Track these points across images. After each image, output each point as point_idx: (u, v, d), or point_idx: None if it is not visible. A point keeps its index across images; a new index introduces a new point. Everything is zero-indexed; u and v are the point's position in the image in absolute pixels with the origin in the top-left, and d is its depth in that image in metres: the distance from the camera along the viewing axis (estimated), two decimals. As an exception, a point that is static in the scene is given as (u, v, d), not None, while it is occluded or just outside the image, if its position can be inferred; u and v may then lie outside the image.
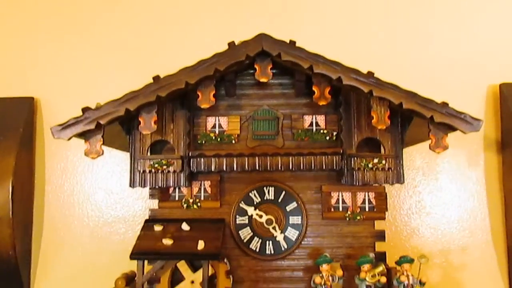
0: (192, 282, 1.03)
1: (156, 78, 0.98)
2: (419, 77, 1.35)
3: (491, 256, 1.36)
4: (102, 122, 0.97)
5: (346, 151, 1.04)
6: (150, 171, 1.05)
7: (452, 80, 1.41)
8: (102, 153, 1.00)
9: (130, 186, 1.07)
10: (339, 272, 0.96)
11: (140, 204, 1.41)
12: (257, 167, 1.05)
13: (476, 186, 1.39)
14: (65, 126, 0.97)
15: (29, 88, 1.46)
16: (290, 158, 1.05)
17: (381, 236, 1.08)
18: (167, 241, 1.01)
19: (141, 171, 1.06)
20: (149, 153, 1.07)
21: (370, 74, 0.97)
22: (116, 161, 1.43)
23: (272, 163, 1.05)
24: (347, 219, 1.07)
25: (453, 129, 0.97)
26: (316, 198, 1.10)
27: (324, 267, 0.97)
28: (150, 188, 1.12)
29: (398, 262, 0.98)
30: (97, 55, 1.47)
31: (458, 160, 1.40)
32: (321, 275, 0.96)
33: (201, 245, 0.99)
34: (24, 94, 1.44)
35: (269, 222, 1.06)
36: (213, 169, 1.06)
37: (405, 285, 0.96)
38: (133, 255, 0.98)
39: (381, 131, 1.05)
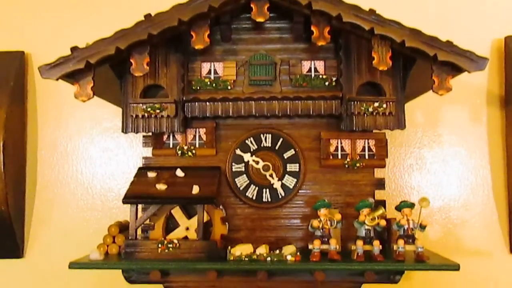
0: (187, 228, 1.00)
1: (148, 16, 0.94)
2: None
3: (492, 212, 1.34)
4: (91, 61, 0.93)
5: (345, 96, 1.01)
6: (143, 116, 1.02)
7: (455, 34, 1.35)
8: (93, 96, 0.97)
9: (123, 131, 1.04)
10: (338, 216, 0.94)
11: (135, 161, 1.39)
12: (253, 113, 1.02)
13: (478, 142, 1.36)
14: (54, 65, 0.94)
15: (20, 42, 1.41)
16: (288, 103, 1.02)
17: (380, 184, 1.05)
18: (161, 186, 0.98)
19: (134, 116, 1.02)
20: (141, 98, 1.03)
21: (371, 12, 0.93)
22: (110, 117, 1.39)
23: (269, 108, 1.02)
24: (346, 166, 1.04)
25: (457, 69, 0.93)
26: (315, 146, 1.07)
27: (322, 211, 0.94)
28: (143, 136, 1.09)
29: (398, 207, 0.95)
30: (89, 8, 1.42)
31: (460, 116, 1.36)
32: (319, 219, 0.93)
33: (195, 189, 0.97)
34: (14, 48, 1.40)
35: (265, 168, 1.03)
36: (208, 115, 1.02)
37: (405, 229, 0.93)
38: (126, 199, 0.96)
39: (382, 75, 1.02)
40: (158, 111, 1.01)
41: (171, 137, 1.08)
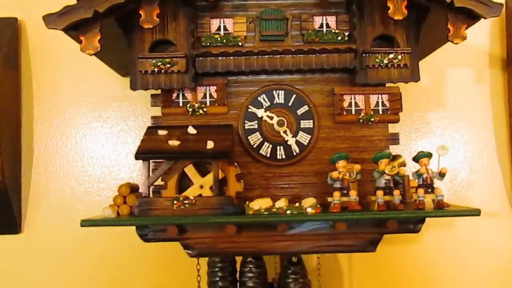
0: (201, 187, 0.97)
1: (157, -36, 0.91)
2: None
3: (497, 174, 1.35)
4: (100, 10, 0.89)
5: (360, 48, 0.99)
6: (152, 72, 0.98)
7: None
8: (100, 49, 0.93)
9: (131, 88, 1.00)
10: (357, 167, 0.93)
11: (137, 130, 1.35)
12: (266, 67, 1.00)
13: (482, 104, 1.37)
14: (59, 14, 0.89)
15: (13, 9, 1.35)
16: (302, 57, 1.00)
17: (395, 138, 1.04)
18: (174, 142, 0.95)
19: (143, 72, 0.98)
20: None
21: (387, -42, 0.92)
22: (110, 85, 1.35)
23: (282, 62, 1.00)
24: (361, 121, 1.03)
25: (472, 17, 0.93)
26: (328, 102, 1.05)
27: (341, 163, 0.92)
28: (151, 95, 1.05)
29: (416, 157, 0.94)
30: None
31: (465, 78, 1.37)
32: (338, 171, 0.92)
33: (210, 144, 0.94)
34: (7, 15, 1.34)
35: (280, 123, 1.01)
36: (220, 70, 0.99)
37: (424, 178, 0.92)
38: (138, 155, 0.92)
39: (395, 27, 1.01)
40: (168, 65, 0.98)
41: (180, 95, 1.05)
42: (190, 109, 1.02)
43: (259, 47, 1.01)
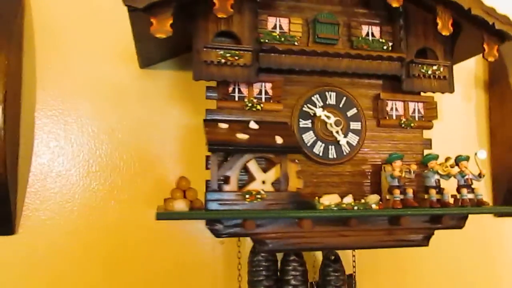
0: (263, 182, 0.96)
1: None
2: None
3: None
4: (181, -8, 0.85)
5: (407, 58, 1.07)
6: (218, 62, 0.96)
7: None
8: (171, 33, 0.88)
9: (194, 78, 0.96)
10: (414, 166, 1.00)
11: (149, 116, 1.28)
12: (320, 68, 1.02)
13: (467, 120, 1.54)
14: (139, -8, 0.83)
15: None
16: (353, 61, 1.05)
17: (428, 144, 1.14)
18: (242, 136, 0.93)
19: (208, 62, 0.95)
20: (214, 44, 0.97)
21: (443, -21, 1.01)
22: (119, 74, 1.27)
23: (338, 65, 1.04)
24: (402, 126, 1.10)
25: (503, 38, 1.07)
26: (372, 106, 1.11)
27: (397, 163, 0.99)
28: (207, 87, 1.01)
29: (457, 160, 1.04)
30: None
31: (453, 95, 1.53)
32: (398, 170, 0.98)
33: (279, 139, 0.94)
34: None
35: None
36: (283, 67, 1.00)
37: (465, 179, 1.02)
38: (212, 146, 0.89)
39: (435, 41, 1.11)
40: (236, 57, 0.96)
41: (236, 90, 1.03)
42: (249, 104, 1.01)
43: (317, 48, 1.03)
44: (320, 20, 1.06)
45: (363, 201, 0.95)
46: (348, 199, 0.94)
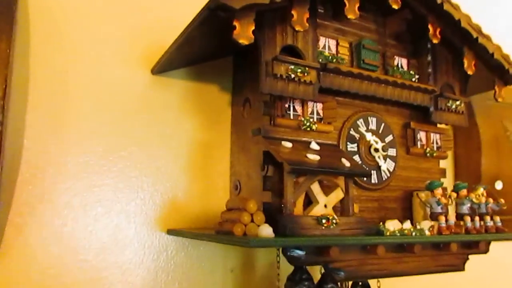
0: (325, 206, 0.92)
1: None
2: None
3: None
4: (277, -1, 0.79)
5: (436, 91, 1.14)
6: (287, 77, 0.90)
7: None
8: (253, 41, 0.81)
9: (263, 91, 0.88)
10: (454, 194, 1.04)
11: (154, 107, 1.14)
12: (365, 93, 1.03)
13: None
14: (237, -9, 0.75)
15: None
16: (394, 89, 1.08)
17: (443, 173, 1.21)
18: (314, 157, 0.88)
19: (278, 75, 0.89)
20: (278, 58, 0.91)
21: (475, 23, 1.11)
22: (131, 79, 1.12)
23: (384, 91, 1.06)
24: (427, 155, 1.16)
25: (508, 82, 1.20)
26: (402, 133, 1.15)
27: (439, 191, 1.03)
28: (264, 102, 0.94)
29: (472, 189, 1.12)
30: None
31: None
32: (444, 197, 1.01)
33: (346, 162, 0.91)
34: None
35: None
36: (343, 88, 0.99)
37: (486, 207, 1.10)
38: (293, 166, 0.82)
39: (454, 78, 1.20)
40: (302, 74, 0.91)
41: (291, 108, 0.98)
42: (307, 123, 0.96)
43: (365, 73, 1.04)
44: (365, 45, 1.07)
45: (418, 227, 0.95)
46: (407, 225, 0.94)
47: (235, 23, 0.79)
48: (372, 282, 1.12)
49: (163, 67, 1.12)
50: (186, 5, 1.22)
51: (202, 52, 1.12)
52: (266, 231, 0.76)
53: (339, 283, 1.02)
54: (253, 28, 0.81)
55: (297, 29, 0.88)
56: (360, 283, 1.09)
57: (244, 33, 0.80)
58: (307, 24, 0.89)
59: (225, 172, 1.20)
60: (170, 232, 1.09)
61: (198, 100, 1.20)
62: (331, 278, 1.04)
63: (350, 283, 1.11)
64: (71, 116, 1.04)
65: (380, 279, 1.13)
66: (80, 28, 1.09)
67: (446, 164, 1.61)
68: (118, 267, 1.05)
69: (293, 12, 0.87)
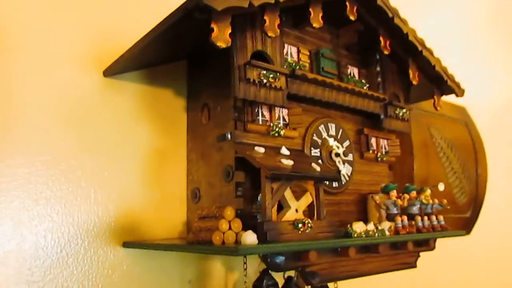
0: (296, 210, 0.92)
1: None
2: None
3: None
4: (255, 3, 0.79)
5: (386, 99, 1.21)
6: (259, 82, 0.90)
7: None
8: (229, 44, 0.80)
9: (236, 96, 0.87)
10: (406, 196, 1.11)
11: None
12: (326, 99, 1.06)
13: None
14: (219, -7, 0.74)
15: None
16: (350, 97, 1.12)
17: (391, 176, 1.28)
18: (288, 162, 0.88)
19: (251, 80, 0.88)
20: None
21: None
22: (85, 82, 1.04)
23: (343, 98, 1.10)
24: (379, 159, 1.22)
25: (445, 92, 1.32)
26: (356, 139, 1.20)
27: (394, 193, 1.09)
28: (234, 107, 0.93)
29: (420, 191, 1.20)
30: None
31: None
32: (400, 199, 1.07)
33: (317, 167, 0.93)
34: None
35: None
36: (308, 95, 1.01)
37: (431, 207, 1.19)
38: (273, 172, 0.81)
39: (399, 88, 1.29)
40: (272, 80, 0.92)
41: (260, 113, 0.97)
42: (276, 129, 0.97)
43: (328, 80, 1.07)
44: (324, 54, 1.11)
45: (379, 228, 1.00)
46: (370, 227, 0.98)
47: (213, 26, 0.77)
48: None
49: (116, 69, 1.05)
50: (139, 6, 1.18)
51: (158, 55, 1.08)
52: (250, 238, 0.74)
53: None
54: (229, 31, 0.79)
55: (269, 34, 0.88)
56: (319, 286, 1.11)
57: (222, 36, 0.78)
58: (278, 30, 0.89)
59: (181, 181, 1.16)
60: (126, 245, 1.02)
61: (152, 105, 1.15)
62: (294, 283, 1.06)
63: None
64: (16, 122, 0.94)
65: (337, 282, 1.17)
66: (26, 27, 0.98)
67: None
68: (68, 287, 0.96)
69: (265, 17, 0.87)
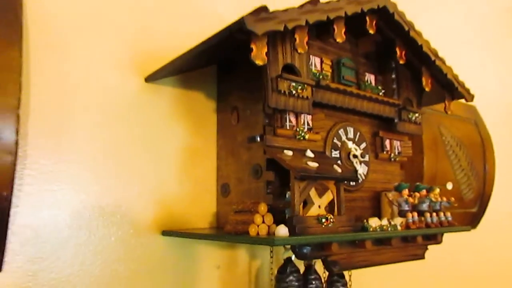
0: (319, 206, 1.04)
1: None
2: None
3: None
4: (289, 26, 0.90)
5: (400, 105, 1.32)
6: (288, 93, 1.01)
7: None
8: (266, 62, 0.91)
9: (270, 105, 0.98)
10: (417, 194, 1.22)
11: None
12: (346, 106, 1.17)
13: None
14: (259, 19, 0.84)
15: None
16: (368, 103, 1.23)
17: (403, 175, 1.39)
18: (313, 164, 1.00)
19: (282, 92, 1.00)
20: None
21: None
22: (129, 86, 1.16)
23: (362, 105, 1.21)
24: (392, 159, 1.33)
25: (455, 98, 1.42)
26: (371, 141, 1.31)
27: (406, 191, 1.20)
28: (265, 114, 1.04)
29: (429, 189, 1.31)
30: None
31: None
32: (412, 197, 1.19)
33: (338, 168, 1.04)
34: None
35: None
36: (330, 102, 1.11)
37: (439, 204, 1.31)
38: (301, 173, 0.93)
39: (412, 93, 1.39)
40: (300, 91, 1.03)
41: (287, 119, 1.08)
42: (302, 133, 1.08)
43: (348, 88, 1.18)
44: (345, 63, 1.21)
45: (392, 223, 1.12)
46: (384, 221, 1.09)
47: (252, 46, 0.88)
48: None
49: (157, 76, 1.17)
50: (181, 14, 1.29)
51: (193, 63, 1.19)
52: (283, 231, 0.86)
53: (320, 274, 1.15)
54: (266, 50, 0.90)
55: (299, 51, 0.99)
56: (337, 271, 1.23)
57: (259, 55, 0.89)
58: (307, 47, 1.00)
59: (211, 176, 1.28)
60: (165, 233, 1.15)
61: (186, 106, 1.27)
62: (314, 270, 1.18)
63: (327, 273, 1.25)
64: (69, 122, 1.06)
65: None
66: (80, 38, 1.10)
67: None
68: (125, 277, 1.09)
69: (296, 36, 0.98)
